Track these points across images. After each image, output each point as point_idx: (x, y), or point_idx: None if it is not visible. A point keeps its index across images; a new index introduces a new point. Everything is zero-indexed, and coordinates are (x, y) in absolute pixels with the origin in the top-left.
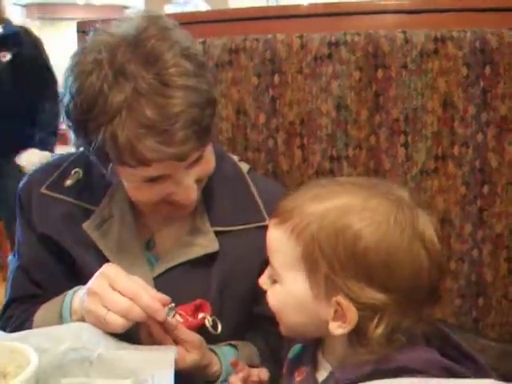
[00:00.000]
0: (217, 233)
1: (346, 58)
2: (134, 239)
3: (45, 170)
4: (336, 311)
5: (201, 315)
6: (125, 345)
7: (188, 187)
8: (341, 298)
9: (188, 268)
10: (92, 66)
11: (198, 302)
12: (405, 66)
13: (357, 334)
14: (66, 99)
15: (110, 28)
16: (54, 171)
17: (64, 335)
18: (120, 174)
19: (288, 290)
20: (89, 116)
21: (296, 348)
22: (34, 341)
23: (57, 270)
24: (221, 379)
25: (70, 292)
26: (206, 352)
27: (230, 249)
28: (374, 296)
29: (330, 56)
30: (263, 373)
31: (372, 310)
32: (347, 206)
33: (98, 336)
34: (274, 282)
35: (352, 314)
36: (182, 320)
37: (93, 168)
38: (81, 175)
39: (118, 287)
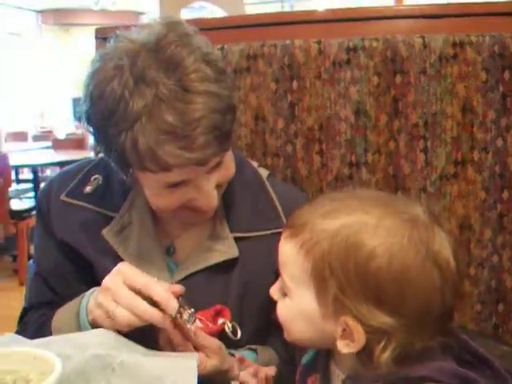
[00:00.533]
0: (236, 239)
1: (365, 63)
2: (153, 245)
3: (64, 176)
4: (344, 330)
5: (220, 321)
6: (147, 351)
7: (208, 192)
8: (349, 319)
9: (208, 274)
10: (113, 73)
11: (217, 307)
12: (423, 71)
13: (365, 353)
14: (87, 105)
15: (131, 35)
16: (73, 178)
17: (87, 342)
18: (140, 180)
19: (296, 305)
20: (109, 122)
21: (310, 354)
22: (56, 347)
23: (75, 277)
24: None
25: (88, 293)
26: (226, 357)
27: (249, 255)
28: (383, 319)
29: (348, 61)
30: (271, 370)
31: (380, 333)
32: (360, 225)
33: (121, 343)
34: (284, 295)
35: (360, 335)
36: (201, 325)
37: (112, 174)
38: (100, 181)
39: (132, 283)
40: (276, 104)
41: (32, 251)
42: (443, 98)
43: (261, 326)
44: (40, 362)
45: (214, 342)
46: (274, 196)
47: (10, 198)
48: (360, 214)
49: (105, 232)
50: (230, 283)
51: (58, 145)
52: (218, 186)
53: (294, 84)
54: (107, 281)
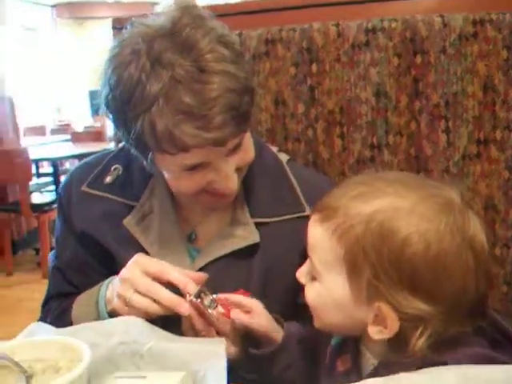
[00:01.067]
0: (257, 224)
1: (384, 44)
2: (175, 233)
3: (84, 168)
4: (376, 316)
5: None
6: (174, 337)
7: (227, 175)
8: (383, 305)
9: (229, 260)
10: (130, 57)
11: (239, 291)
12: (443, 51)
13: (397, 340)
14: (105, 91)
15: (147, 21)
16: (93, 169)
17: (113, 329)
18: (160, 164)
19: (327, 290)
20: (128, 106)
21: (337, 337)
22: (84, 335)
23: (94, 269)
24: None
25: (106, 282)
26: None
27: (270, 240)
28: (419, 306)
29: (367, 43)
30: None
31: (415, 320)
32: (395, 209)
33: (147, 329)
34: (313, 278)
35: (393, 322)
36: (223, 311)
37: (132, 164)
38: (120, 171)
39: (149, 271)
40: (296, 88)
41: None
42: (464, 77)
43: (284, 310)
44: (69, 350)
45: (254, 301)
46: (294, 181)
47: (31, 192)
48: (394, 198)
49: (126, 221)
50: (252, 269)
51: (76, 138)
52: (237, 170)
53: (314, 67)
54: (125, 272)
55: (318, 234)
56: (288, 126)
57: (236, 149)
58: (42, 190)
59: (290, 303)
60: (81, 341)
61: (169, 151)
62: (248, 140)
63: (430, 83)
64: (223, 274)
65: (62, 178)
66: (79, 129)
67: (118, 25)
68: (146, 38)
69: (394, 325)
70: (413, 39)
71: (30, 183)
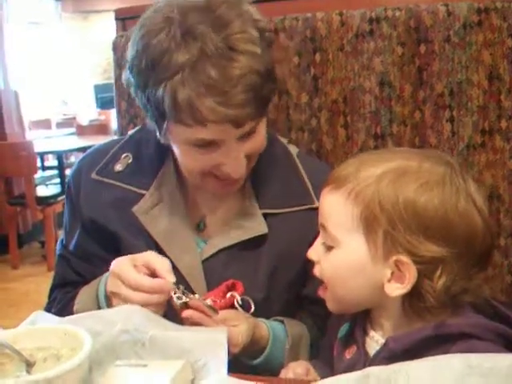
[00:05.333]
0: (266, 215)
1: (388, 33)
2: (183, 223)
3: (94, 155)
4: (393, 273)
5: (228, 294)
6: (175, 326)
7: (237, 158)
8: (401, 256)
9: (236, 250)
10: (162, 25)
11: (229, 282)
12: (448, 40)
13: (411, 299)
14: (132, 54)
15: None
16: (103, 156)
17: (115, 318)
18: (173, 136)
19: (345, 253)
20: (152, 72)
21: (343, 329)
22: (86, 323)
23: (100, 258)
24: (270, 341)
25: (103, 278)
26: (246, 316)
27: (278, 231)
28: (433, 249)
29: (371, 32)
30: (300, 366)
31: (432, 263)
32: (403, 168)
33: (149, 318)
34: (329, 248)
35: (411, 272)
36: (211, 302)
37: (142, 152)
38: (130, 160)
39: (135, 262)
40: (299, 78)
41: (60, 236)
42: (469, 66)
43: (289, 302)
44: (70, 338)
45: (228, 312)
46: (303, 173)
47: (36, 185)
48: (401, 161)
49: (135, 209)
50: (260, 260)
51: (81, 131)
52: (247, 157)
53: (317, 57)
54: (114, 267)
55: (332, 200)
56: (291, 115)
57: (250, 134)
58: (47, 183)
59: (295, 294)
60: (82, 329)
61: (185, 122)
62: (263, 128)
63: (434, 72)
64: (230, 265)
65: (67, 171)
66: (84, 122)
67: (121, 15)
68: (181, 9)
69: (412, 275)
70: (417, 28)
71: (35, 176)
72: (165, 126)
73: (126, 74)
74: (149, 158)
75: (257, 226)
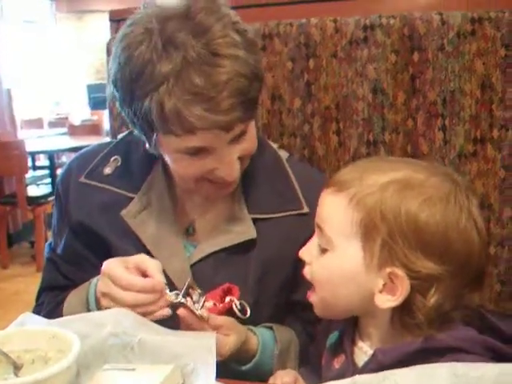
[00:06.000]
0: (254, 220)
1: (382, 41)
2: (172, 227)
3: (83, 158)
4: (385, 284)
5: (227, 299)
6: (164, 330)
7: (230, 162)
8: (395, 269)
9: (225, 255)
10: (142, 36)
11: (225, 286)
12: (441, 48)
13: (401, 313)
14: (114, 68)
15: (160, 3)
16: (92, 159)
17: (104, 321)
18: (163, 146)
19: (339, 258)
20: (136, 85)
21: (333, 337)
22: (74, 326)
23: (89, 262)
24: (259, 350)
25: (94, 281)
26: (241, 328)
27: (267, 236)
28: (430, 266)
29: (365, 39)
30: (288, 375)
31: (426, 281)
32: (409, 180)
33: (138, 322)
34: (323, 251)
35: (404, 286)
36: (210, 305)
37: (131, 156)
38: (119, 163)
39: (127, 264)
40: (292, 83)
41: (49, 237)
42: (461, 75)
43: (279, 307)
44: (58, 340)
45: (226, 319)
46: (293, 178)
47: (27, 185)
48: (408, 171)
49: (124, 213)
50: (249, 264)
51: (73, 131)
52: (240, 158)
53: (311, 63)
54: (105, 267)
55: (333, 203)
56: (284, 121)
57: (240, 136)
58: (38, 182)
59: (284, 299)
60: (71, 332)
61: (175, 132)
62: (252, 130)
63: (427, 81)
64: (219, 270)
65: (59, 171)
66: (77, 122)
67: (115, 17)
68: (160, 19)
69: (404, 287)
70: (411, 36)
71: (26, 176)
72: (154, 137)
73: (109, 88)
74: (138, 162)
75: (246, 231)
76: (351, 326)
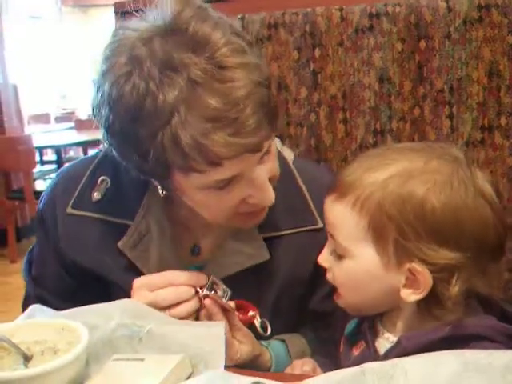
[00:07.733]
0: (265, 239)
1: (388, 29)
2: (175, 252)
3: (67, 180)
4: (407, 278)
5: (251, 313)
6: (172, 320)
7: (264, 184)
8: (414, 265)
9: (237, 278)
10: (130, 66)
11: (240, 302)
12: (448, 36)
13: (427, 302)
14: (105, 113)
15: (134, 23)
16: (77, 183)
17: (112, 312)
18: (184, 186)
19: (357, 263)
20: (137, 124)
21: (351, 325)
22: (83, 318)
23: (85, 299)
24: (272, 369)
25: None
26: (256, 342)
27: (281, 255)
28: (448, 255)
29: (371, 28)
30: (307, 364)
31: (447, 270)
32: (408, 171)
33: (146, 312)
34: (340, 257)
35: (426, 279)
36: (234, 306)
37: (120, 174)
38: (109, 184)
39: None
40: (298, 73)
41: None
42: (469, 62)
43: (293, 321)
44: (67, 332)
45: (245, 328)
46: (303, 187)
47: (35, 179)
48: (405, 162)
49: (121, 245)
50: (263, 286)
51: (80, 125)
52: (269, 180)
53: (317, 52)
54: (136, 281)
55: (338, 211)
56: (291, 110)
57: (266, 155)
58: (46, 177)
59: (299, 313)
60: (79, 323)
61: (197, 168)
62: (274, 147)
63: (434, 69)
64: (232, 292)
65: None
66: (83, 116)
67: (120, 9)
68: (144, 41)
69: (427, 282)
70: (417, 24)
71: (34, 170)
72: (171, 179)
73: (104, 137)
74: (129, 182)
75: (256, 252)
76: (371, 316)
